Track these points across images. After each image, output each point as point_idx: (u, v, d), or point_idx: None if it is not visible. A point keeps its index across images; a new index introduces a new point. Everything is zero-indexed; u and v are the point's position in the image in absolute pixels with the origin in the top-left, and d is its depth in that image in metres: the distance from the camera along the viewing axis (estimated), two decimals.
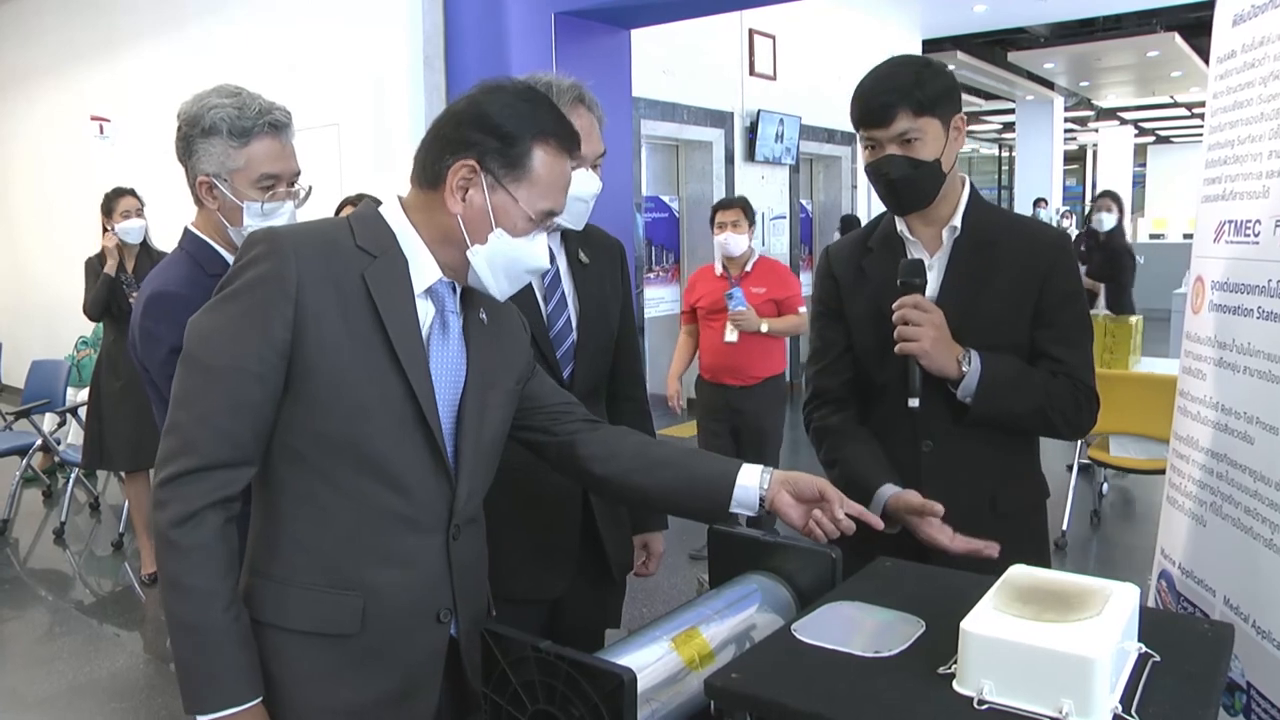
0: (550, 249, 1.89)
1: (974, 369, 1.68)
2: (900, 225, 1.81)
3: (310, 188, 1.94)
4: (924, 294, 1.72)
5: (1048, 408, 1.72)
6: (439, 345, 1.39)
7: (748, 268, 4.39)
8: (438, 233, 1.36)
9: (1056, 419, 1.74)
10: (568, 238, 1.94)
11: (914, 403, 1.69)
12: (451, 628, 1.43)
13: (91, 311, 4.51)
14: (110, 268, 4.44)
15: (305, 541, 1.33)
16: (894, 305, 1.70)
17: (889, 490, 1.71)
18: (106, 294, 4.42)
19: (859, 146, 1.78)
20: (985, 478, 1.78)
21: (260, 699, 1.29)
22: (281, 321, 1.26)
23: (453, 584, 1.41)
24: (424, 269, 1.37)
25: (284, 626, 1.33)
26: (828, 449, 1.87)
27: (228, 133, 1.80)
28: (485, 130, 1.32)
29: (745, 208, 4.43)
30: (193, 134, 1.82)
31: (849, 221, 9.54)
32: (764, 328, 4.26)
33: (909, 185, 1.71)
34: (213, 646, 1.25)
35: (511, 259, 1.36)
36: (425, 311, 1.38)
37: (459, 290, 1.43)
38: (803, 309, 4.37)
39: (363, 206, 1.41)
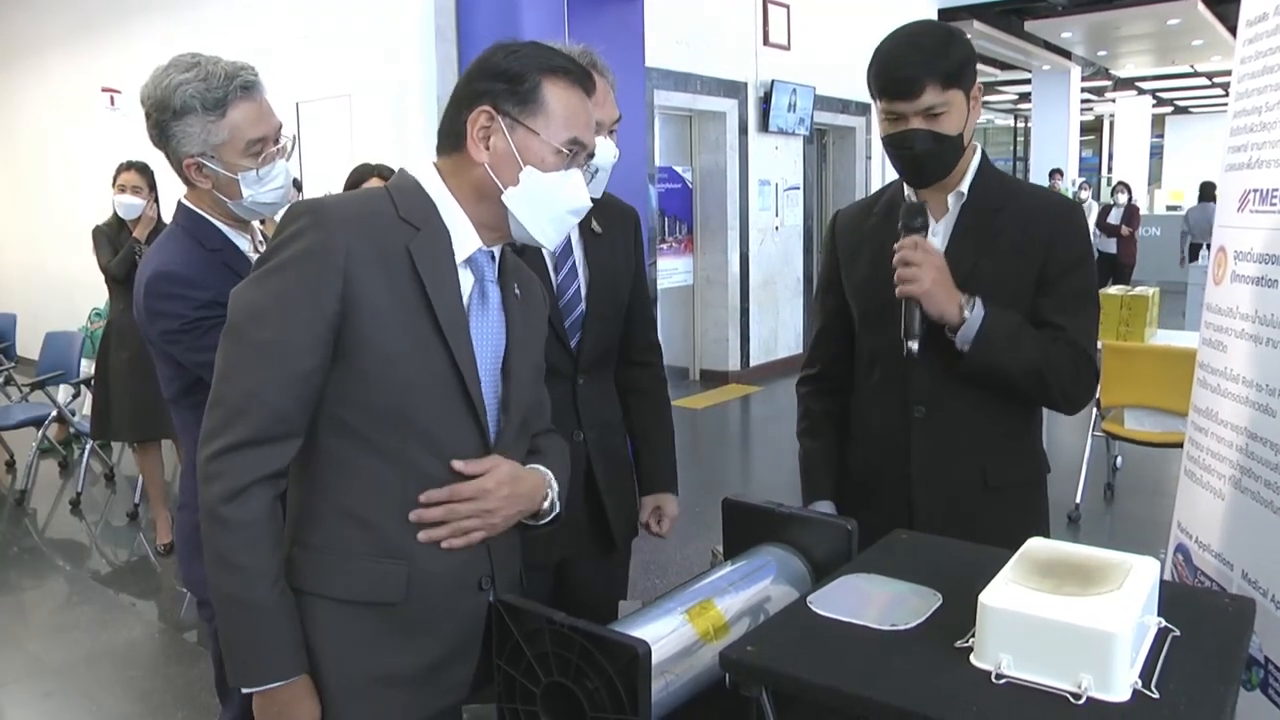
0: None
1: (975, 315, 1.63)
2: (909, 192, 1.78)
3: (293, 137, 1.87)
4: (925, 236, 1.68)
5: (1045, 370, 1.66)
6: (479, 316, 1.39)
7: None
8: (472, 190, 1.36)
9: (1053, 384, 1.68)
10: None
11: (912, 345, 1.65)
12: (490, 595, 1.43)
13: (117, 272, 4.42)
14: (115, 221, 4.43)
15: (351, 511, 1.33)
16: (895, 246, 1.66)
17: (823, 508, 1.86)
18: (130, 257, 4.36)
19: (874, 117, 1.71)
20: (977, 448, 1.74)
21: (306, 673, 1.30)
22: (331, 293, 1.26)
23: (491, 552, 1.42)
24: (464, 238, 1.37)
25: (328, 595, 1.33)
26: (803, 430, 1.99)
27: (201, 108, 1.70)
28: (492, 76, 1.35)
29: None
30: (165, 119, 1.72)
31: None
32: None
33: (932, 160, 1.68)
34: (260, 623, 1.26)
35: (549, 197, 1.36)
36: (465, 282, 1.38)
37: (497, 259, 1.43)
38: None
39: (400, 177, 1.41)
